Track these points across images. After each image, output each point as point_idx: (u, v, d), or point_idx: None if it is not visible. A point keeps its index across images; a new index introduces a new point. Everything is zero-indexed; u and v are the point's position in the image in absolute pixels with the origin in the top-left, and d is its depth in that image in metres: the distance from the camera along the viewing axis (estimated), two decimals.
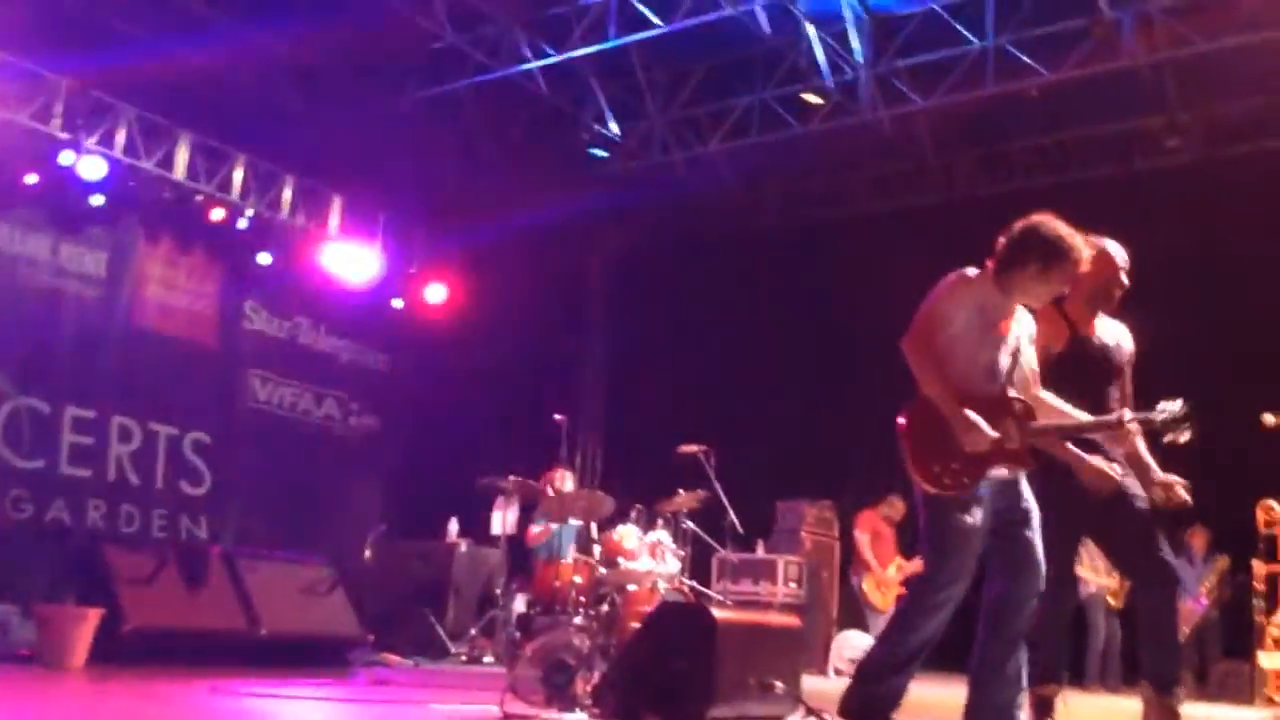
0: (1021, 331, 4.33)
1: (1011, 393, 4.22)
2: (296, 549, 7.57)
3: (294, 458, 10.32)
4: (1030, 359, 4.37)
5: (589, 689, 4.78)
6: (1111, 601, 9.44)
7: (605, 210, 11.85)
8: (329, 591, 6.73)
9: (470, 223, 10.95)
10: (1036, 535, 4.24)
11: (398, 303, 11.10)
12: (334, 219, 10.68)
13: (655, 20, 9.18)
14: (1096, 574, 9.35)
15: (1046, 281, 4.23)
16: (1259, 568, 7.39)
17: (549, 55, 9.74)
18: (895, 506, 9.62)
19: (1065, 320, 4.57)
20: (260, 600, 6.36)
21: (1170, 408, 4.15)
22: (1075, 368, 4.53)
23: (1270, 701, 7.00)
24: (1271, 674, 7.20)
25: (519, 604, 7.94)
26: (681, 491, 7.46)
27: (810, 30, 9.38)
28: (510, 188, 10.82)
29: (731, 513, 7.82)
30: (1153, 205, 9.16)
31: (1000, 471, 4.17)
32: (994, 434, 4.04)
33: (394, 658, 7.31)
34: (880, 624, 9.44)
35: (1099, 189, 9.90)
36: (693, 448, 7.67)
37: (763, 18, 9.28)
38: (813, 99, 10.14)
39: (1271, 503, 7.20)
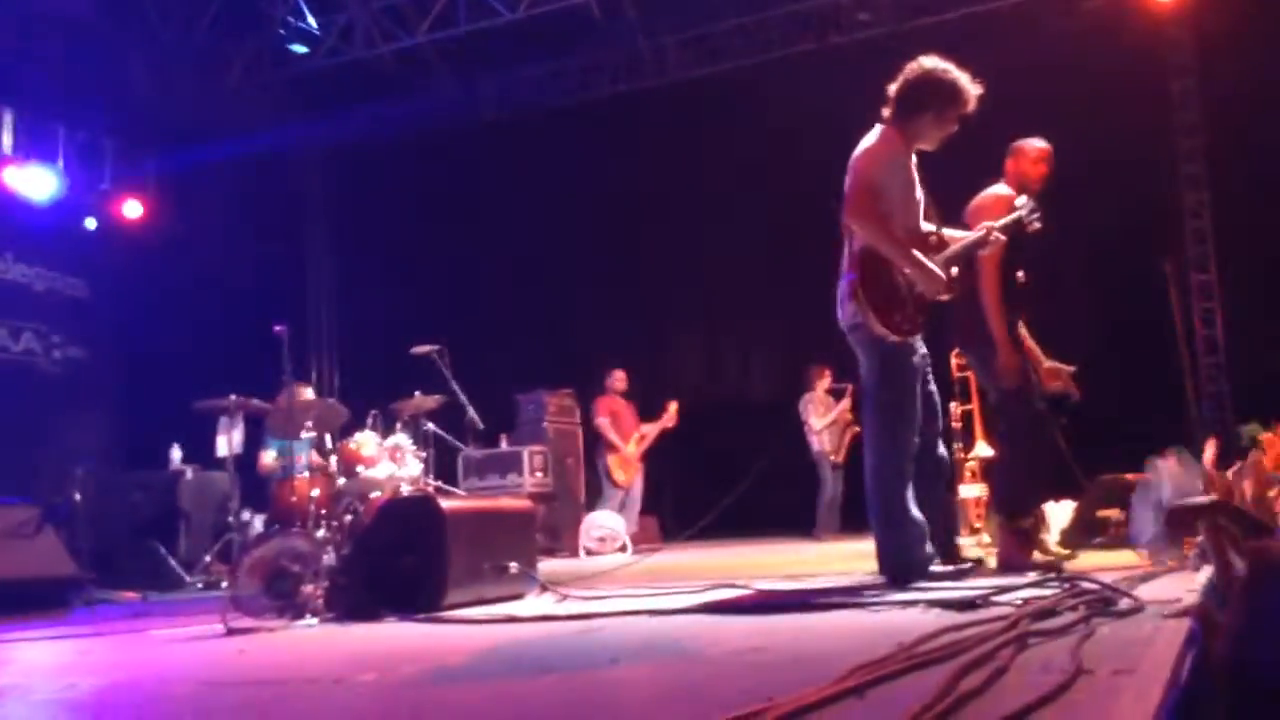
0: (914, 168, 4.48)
1: (928, 227, 4.43)
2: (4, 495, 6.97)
3: None
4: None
5: (319, 595, 4.69)
6: (834, 459, 10.11)
7: (316, 112, 11.33)
8: (35, 532, 6.25)
9: (167, 132, 10.21)
10: (933, 383, 4.50)
11: (91, 223, 10.28)
12: (6, 137, 9.73)
13: None
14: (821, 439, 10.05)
15: (942, 125, 4.36)
16: (954, 409, 8.02)
17: None
18: (620, 379, 10.13)
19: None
20: None
21: (1026, 201, 4.60)
22: (1027, 246, 4.77)
23: (973, 529, 7.68)
24: (972, 503, 7.91)
25: (257, 525, 7.66)
26: (419, 393, 7.33)
27: None
28: (207, 94, 10.13)
29: (470, 409, 7.76)
30: (853, 77, 9.55)
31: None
32: (943, 274, 4.24)
33: (121, 593, 6.93)
34: (619, 499, 9.79)
35: (801, 64, 10.24)
36: (426, 348, 7.54)
37: None
38: None
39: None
